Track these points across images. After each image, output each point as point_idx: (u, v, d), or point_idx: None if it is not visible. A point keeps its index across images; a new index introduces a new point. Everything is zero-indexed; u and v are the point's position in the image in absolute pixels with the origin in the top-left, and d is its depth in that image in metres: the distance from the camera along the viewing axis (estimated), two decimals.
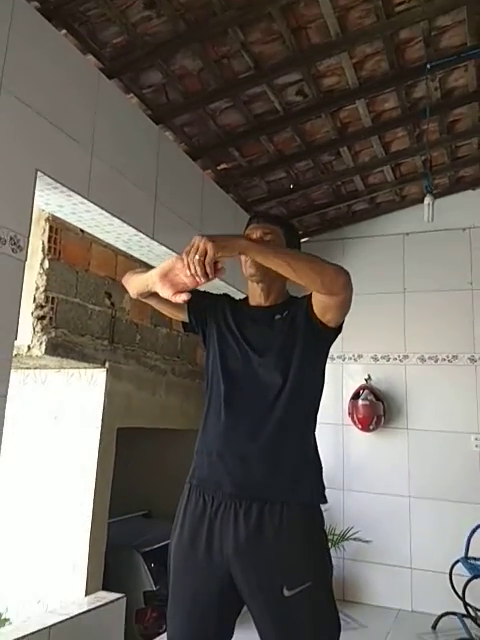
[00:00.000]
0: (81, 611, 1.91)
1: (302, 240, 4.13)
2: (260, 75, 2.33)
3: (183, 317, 1.56)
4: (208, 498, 1.35)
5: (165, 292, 1.30)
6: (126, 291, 1.56)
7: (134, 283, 1.47)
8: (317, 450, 1.44)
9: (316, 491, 1.39)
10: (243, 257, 1.45)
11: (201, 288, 1.36)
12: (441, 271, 3.69)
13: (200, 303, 1.54)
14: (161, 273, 1.30)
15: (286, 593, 1.26)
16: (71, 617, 1.85)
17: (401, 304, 3.78)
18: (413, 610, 3.36)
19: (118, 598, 2.06)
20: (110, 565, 2.73)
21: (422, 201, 2.77)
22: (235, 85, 2.36)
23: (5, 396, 1.66)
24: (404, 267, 3.82)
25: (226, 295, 1.65)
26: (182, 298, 1.29)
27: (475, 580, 2.84)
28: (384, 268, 3.85)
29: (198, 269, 1.20)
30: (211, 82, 2.34)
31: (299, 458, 1.38)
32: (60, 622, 1.79)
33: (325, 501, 1.40)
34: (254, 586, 1.30)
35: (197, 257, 1.19)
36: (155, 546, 3.17)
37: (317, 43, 2.27)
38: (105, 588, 2.50)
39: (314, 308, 1.39)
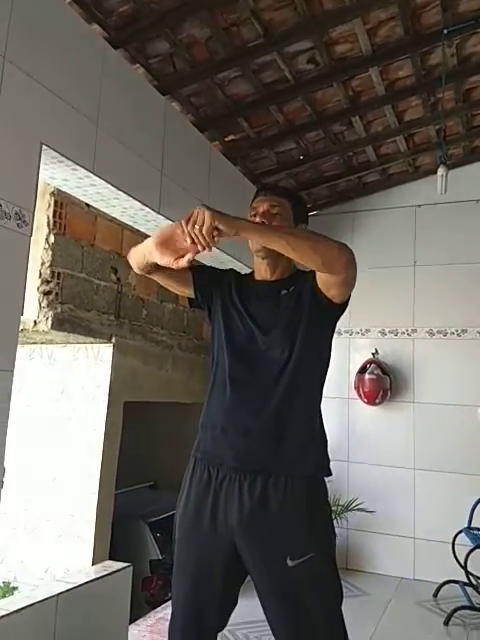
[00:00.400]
0: (88, 580, 1.95)
1: (311, 213, 4.08)
2: (270, 43, 2.25)
3: (189, 293, 1.55)
4: (213, 470, 1.37)
5: (164, 259, 1.28)
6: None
7: (134, 257, 1.45)
8: (322, 424, 1.45)
9: (320, 464, 1.40)
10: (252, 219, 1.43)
11: (207, 263, 1.34)
12: (453, 244, 3.63)
13: (205, 279, 1.53)
14: (159, 240, 1.29)
15: (289, 563, 1.29)
16: (78, 585, 1.89)
17: (411, 278, 3.73)
18: (415, 578, 3.44)
19: (125, 567, 2.11)
20: (117, 535, 2.80)
21: (435, 172, 2.70)
22: (244, 54, 2.28)
23: (12, 371, 1.67)
24: (415, 240, 3.76)
25: (232, 270, 1.63)
26: (183, 262, 1.26)
27: (478, 550, 2.89)
28: (395, 241, 3.79)
29: (199, 238, 1.19)
30: (219, 51, 2.26)
31: (304, 432, 1.39)
32: (68, 590, 1.83)
33: (329, 474, 1.41)
34: (258, 557, 1.33)
35: (197, 227, 1.18)
36: (161, 516, 3.25)
37: (330, 9, 2.17)
38: (112, 557, 2.55)
39: (318, 284, 1.38)
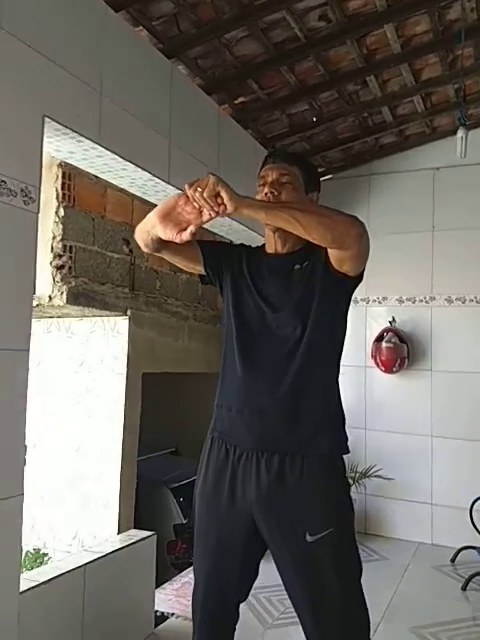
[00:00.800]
0: (114, 549, 2.01)
1: (325, 177, 3.98)
2: (279, 0, 2.14)
3: (199, 269, 1.51)
4: (230, 447, 1.38)
5: (168, 233, 1.24)
6: None
7: (139, 234, 1.40)
8: (340, 401, 1.42)
9: (337, 443, 1.39)
10: (261, 188, 1.40)
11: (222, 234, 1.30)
12: (473, 208, 3.51)
13: (215, 254, 1.50)
14: (161, 213, 1.24)
15: (309, 538, 1.29)
16: (105, 555, 1.95)
17: (429, 243, 3.64)
18: (433, 543, 3.47)
19: (149, 536, 2.17)
20: (141, 500, 2.87)
21: (454, 133, 2.59)
22: (252, 12, 2.17)
23: (28, 350, 1.67)
24: (434, 204, 3.65)
25: (243, 245, 1.60)
26: (187, 235, 1.21)
27: None
28: (412, 205, 3.69)
29: (202, 202, 1.14)
30: (226, 9, 2.16)
31: (320, 410, 1.37)
32: (94, 560, 1.89)
33: (347, 451, 1.40)
34: (276, 532, 1.34)
35: (199, 190, 1.14)
36: (183, 482, 3.32)
37: None
38: (137, 522, 2.63)
39: (331, 259, 1.34)
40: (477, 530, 3.06)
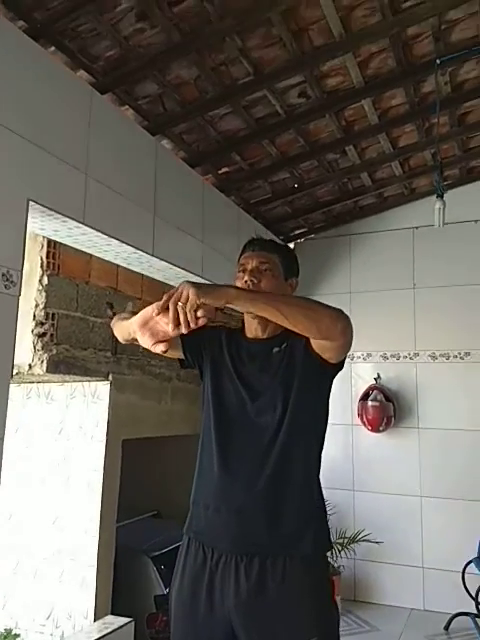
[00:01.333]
0: None
1: (307, 237, 4.06)
2: (260, 80, 2.22)
3: (178, 354, 1.49)
4: (208, 550, 1.31)
5: (145, 341, 1.22)
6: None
7: (118, 330, 1.41)
8: (321, 494, 1.38)
9: (321, 540, 1.33)
10: (240, 275, 1.41)
11: None
12: (452, 265, 3.59)
13: (195, 338, 1.45)
14: (141, 322, 1.22)
15: None
16: None
17: (411, 300, 3.69)
18: (425, 609, 3.37)
19: (126, 623, 2.07)
20: (120, 571, 2.74)
21: (432, 194, 2.67)
22: (234, 92, 2.25)
23: (3, 426, 1.61)
24: (414, 262, 3.72)
25: (223, 327, 1.58)
26: (160, 348, 1.20)
27: None
28: (393, 264, 3.76)
29: (180, 316, 1.13)
30: (209, 90, 2.23)
31: (301, 506, 1.32)
32: None
33: (331, 547, 1.35)
34: None
35: (180, 304, 1.13)
36: (165, 549, 3.19)
37: (320, 45, 2.15)
38: (115, 595, 2.53)
39: (313, 346, 1.33)
40: (470, 595, 2.99)
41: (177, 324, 1.13)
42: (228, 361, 1.42)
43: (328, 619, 1.30)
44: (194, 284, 1.14)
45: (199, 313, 1.13)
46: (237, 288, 1.25)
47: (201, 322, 1.13)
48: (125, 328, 1.34)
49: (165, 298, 1.15)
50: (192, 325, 1.13)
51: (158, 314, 1.16)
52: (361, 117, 2.72)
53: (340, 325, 1.24)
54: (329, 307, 1.25)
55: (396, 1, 2.03)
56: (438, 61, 2.38)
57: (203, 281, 2.72)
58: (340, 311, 1.25)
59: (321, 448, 1.40)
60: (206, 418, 1.41)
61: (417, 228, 3.72)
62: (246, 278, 1.38)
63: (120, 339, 1.41)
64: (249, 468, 1.31)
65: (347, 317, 1.26)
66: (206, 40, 1.95)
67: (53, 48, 1.83)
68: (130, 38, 1.90)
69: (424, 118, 2.85)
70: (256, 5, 1.86)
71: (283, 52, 2.13)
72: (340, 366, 1.38)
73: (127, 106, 2.21)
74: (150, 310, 1.19)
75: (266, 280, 1.39)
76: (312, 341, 1.32)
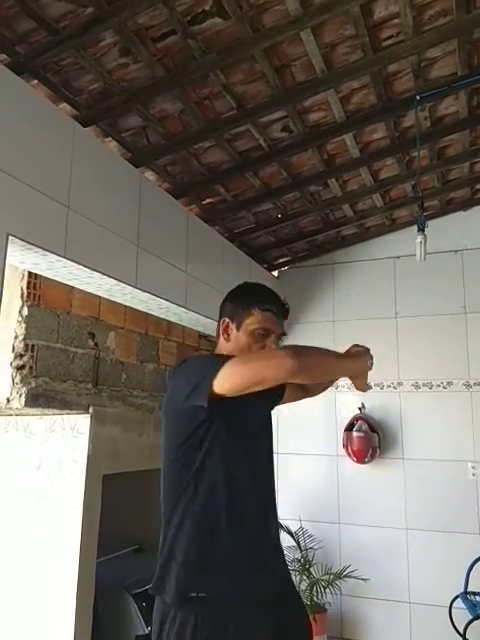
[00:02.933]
0: None
1: (291, 266, 4.08)
2: (244, 115, 2.24)
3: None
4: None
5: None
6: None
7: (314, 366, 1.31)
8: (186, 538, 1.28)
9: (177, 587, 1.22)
10: (259, 337, 1.40)
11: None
12: (433, 295, 3.62)
13: None
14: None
15: None
16: None
17: (393, 329, 3.70)
18: None
19: None
20: (100, 609, 2.64)
21: (412, 224, 2.70)
22: (218, 126, 2.26)
23: None
24: (396, 291, 3.74)
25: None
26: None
27: (476, 621, 2.78)
28: (375, 292, 3.77)
29: None
30: (193, 123, 2.24)
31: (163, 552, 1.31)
32: None
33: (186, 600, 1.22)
34: None
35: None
36: (146, 586, 3.08)
37: (302, 81, 2.18)
38: (94, 634, 2.43)
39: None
40: (457, 631, 2.93)
41: None
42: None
43: None
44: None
45: None
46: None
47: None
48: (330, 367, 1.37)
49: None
50: None
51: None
52: (343, 151, 2.76)
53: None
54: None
55: (377, 39, 2.07)
56: (418, 97, 2.42)
57: (184, 311, 2.70)
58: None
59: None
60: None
61: (398, 258, 3.76)
62: (274, 347, 1.39)
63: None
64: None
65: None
66: (190, 75, 1.97)
67: (36, 81, 1.83)
68: (113, 72, 1.90)
69: (404, 151, 2.90)
70: (239, 42, 1.88)
71: (266, 87, 2.16)
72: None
73: (111, 138, 2.20)
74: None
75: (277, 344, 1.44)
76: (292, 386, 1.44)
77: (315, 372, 1.27)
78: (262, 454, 1.37)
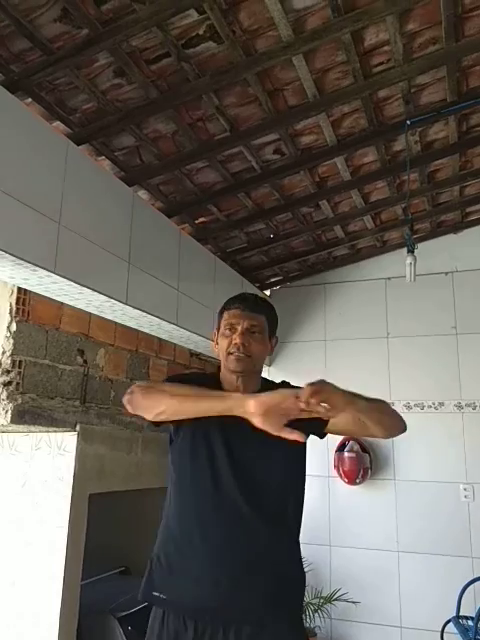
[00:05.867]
0: None
1: (283, 285, 4.08)
2: (237, 137, 2.27)
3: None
4: None
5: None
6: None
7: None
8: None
9: None
10: (228, 332, 1.40)
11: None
12: (424, 315, 3.64)
13: None
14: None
15: None
16: None
17: (385, 349, 3.71)
18: None
19: None
20: (84, 633, 2.58)
21: (403, 246, 2.71)
22: (211, 147, 2.29)
23: None
24: (387, 312, 3.76)
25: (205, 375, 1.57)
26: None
27: None
28: (367, 313, 3.79)
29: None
30: (186, 144, 2.27)
31: None
32: None
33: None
34: None
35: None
36: (132, 609, 3.01)
37: (294, 105, 2.22)
38: None
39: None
40: None
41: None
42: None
43: None
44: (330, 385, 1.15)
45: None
46: (345, 394, 1.18)
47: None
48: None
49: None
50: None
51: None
52: (334, 173, 2.80)
53: (402, 426, 1.40)
54: (388, 407, 1.36)
55: (367, 65, 2.12)
56: (408, 122, 2.47)
57: (175, 328, 2.70)
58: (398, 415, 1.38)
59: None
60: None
61: (389, 279, 3.78)
62: (237, 340, 1.38)
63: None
64: None
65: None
66: (183, 97, 2.00)
67: (30, 99, 1.85)
68: (107, 92, 1.93)
69: (395, 175, 2.95)
70: (232, 65, 1.92)
71: (259, 110, 2.20)
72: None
73: (104, 157, 2.22)
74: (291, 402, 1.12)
75: (256, 344, 1.40)
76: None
77: (148, 411, 1.26)
78: (226, 475, 1.32)
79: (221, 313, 1.46)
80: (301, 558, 1.40)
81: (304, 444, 1.33)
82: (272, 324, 1.47)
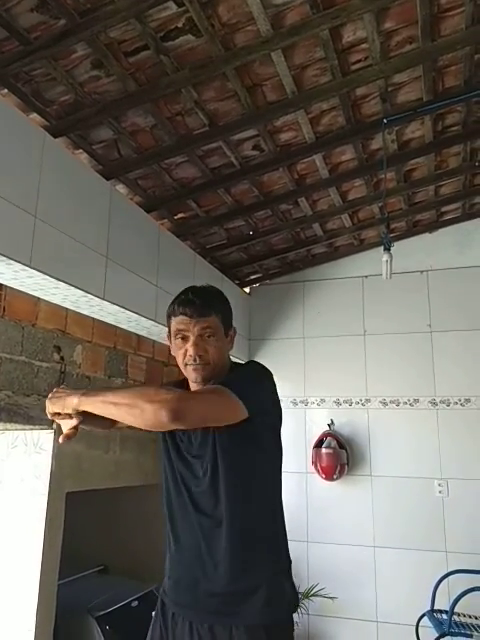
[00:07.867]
0: None
1: (262, 282, 4.08)
2: (215, 132, 2.27)
3: None
4: None
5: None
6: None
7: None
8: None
9: None
10: (180, 342, 1.34)
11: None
12: (400, 313, 3.69)
13: None
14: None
15: None
16: None
17: (362, 347, 3.75)
18: None
19: None
20: (61, 633, 2.54)
21: (380, 245, 2.75)
22: (190, 142, 2.28)
23: None
24: (364, 309, 3.80)
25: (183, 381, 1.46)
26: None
27: (443, 638, 2.78)
28: (345, 310, 3.82)
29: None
30: (165, 138, 2.26)
31: None
32: None
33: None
34: None
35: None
36: (111, 608, 2.98)
37: (273, 101, 2.22)
38: None
39: None
40: None
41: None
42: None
43: None
44: (51, 396, 1.29)
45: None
46: (80, 393, 1.24)
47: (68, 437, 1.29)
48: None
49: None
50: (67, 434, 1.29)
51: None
52: (313, 171, 2.82)
53: (166, 414, 1.11)
54: (157, 396, 1.13)
55: (345, 63, 2.14)
56: (385, 120, 2.50)
57: (154, 325, 2.68)
58: (170, 399, 1.13)
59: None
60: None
61: (366, 277, 3.82)
62: (191, 352, 1.30)
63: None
64: None
65: (175, 403, 1.12)
66: (162, 90, 1.99)
67: (5, 90, 1.82)
68: (85, 85, 1.91)
69: (372, 174, 2.98)
70: (211, 59, 1.92)
71: (238, 106, 2.20)
72: (256, 416, 1.26)
73: (81, 150, 2.20)
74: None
75: (212, 348, 1.32)
76: None
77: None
78: (189, 477, 1.35)
79: (169, 317, 1.36)
80: (268, 553, 1.35)
81: (239, 431, 1.25)
82: (226, 319, 1.37)
